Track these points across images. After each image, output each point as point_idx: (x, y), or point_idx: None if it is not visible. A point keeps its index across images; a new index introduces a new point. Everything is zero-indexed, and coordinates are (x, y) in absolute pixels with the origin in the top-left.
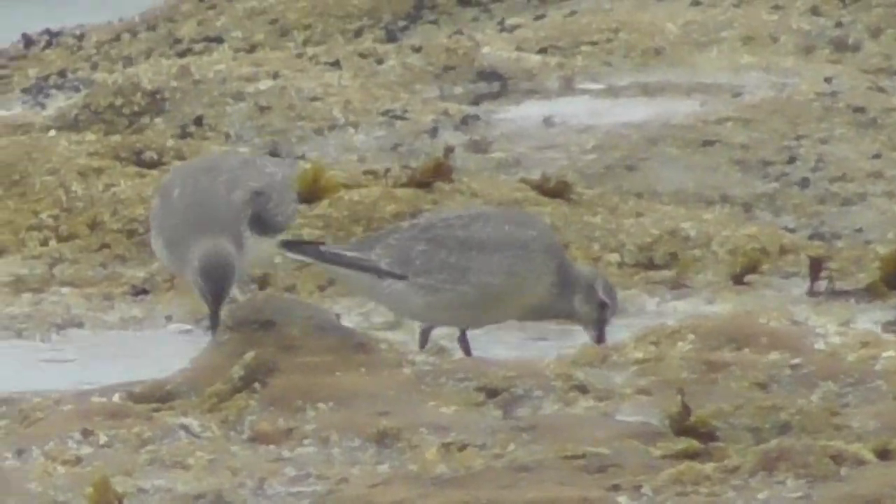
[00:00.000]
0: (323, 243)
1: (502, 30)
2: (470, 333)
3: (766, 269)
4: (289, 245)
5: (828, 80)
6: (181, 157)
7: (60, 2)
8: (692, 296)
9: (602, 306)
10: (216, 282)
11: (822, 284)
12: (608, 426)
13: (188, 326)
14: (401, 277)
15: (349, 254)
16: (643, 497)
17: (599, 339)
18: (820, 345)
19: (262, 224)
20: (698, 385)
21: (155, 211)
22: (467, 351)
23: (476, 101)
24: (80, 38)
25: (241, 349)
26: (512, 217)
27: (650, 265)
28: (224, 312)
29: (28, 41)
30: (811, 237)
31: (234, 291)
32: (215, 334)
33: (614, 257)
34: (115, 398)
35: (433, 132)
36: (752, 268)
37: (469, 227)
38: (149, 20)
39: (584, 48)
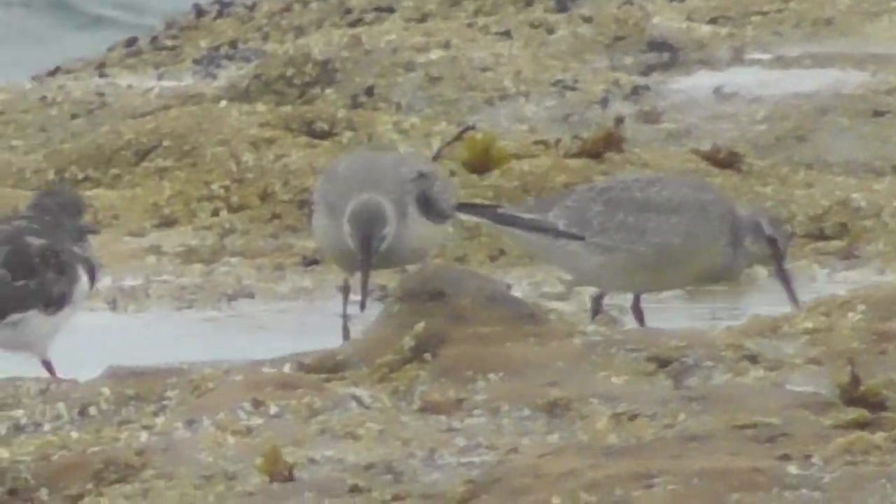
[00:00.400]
0: (499, 206)
1: (672, 0)
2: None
3: None
4: (465, 207)
5: None
6: (352, 128)
7: None
8: (863, 266)
9: (772, 241)
10: (364, 225)
11: None
12: (778, 396)
13: (358, 297)
14: (578, 238)
15: (525, 215)
16: (813, 467)
17: (780, 274)
18: None
19: (428, 205)
20: (869, 355)
21: (317, 190)
22: (641, 319)
23: (646, 72)
24: (252, 8)
25: (412, 320)
26: (688, 181)
27: (821, 236)
28: (394, 283)
29: (199, 11)
30: None
31: (385, 246)
32: (364, 283)
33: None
34: (286, 368)
35: (604, 102)
36: None
37: (647, 189)
38: None
39: (754, 18)
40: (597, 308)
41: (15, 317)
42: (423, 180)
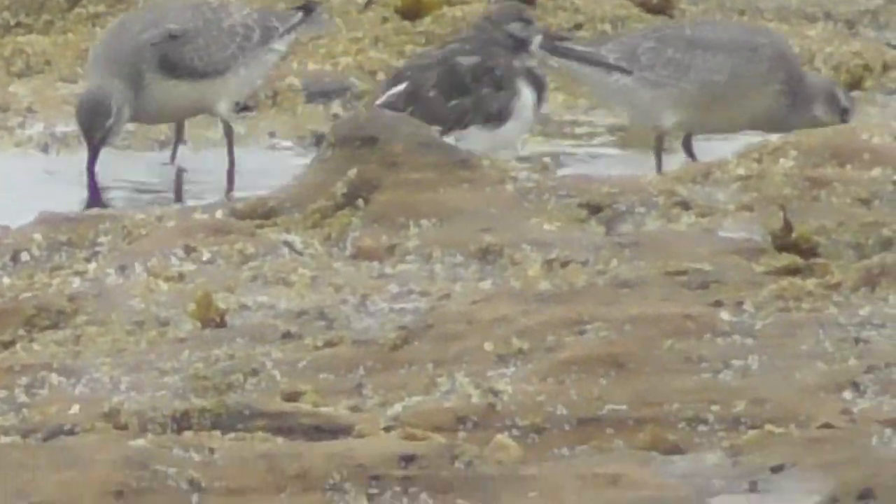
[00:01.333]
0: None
1: None
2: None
3: (869, 86)
4: None
5: None
6: None
7: None
8: None
9: (844, 112)
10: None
11: None
12: (710, 242)
13: (289, 143)
14: (627, 72)
15: (579, 48)
16: (745, 313)
17: None
18: None
19: (172, 65)
20: (800, 201)
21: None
22: (691, 156)
23: None
24: None
25: (345, 166)
26: (745, 25)
27: None
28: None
29: None
30: None
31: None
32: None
33: None
34: (218, 214)
35: None
36: (856, 84)
37: (699, 27)
38: None
39: None
40: (688, 149)
41: (454, 134)
42: (172, 41)
